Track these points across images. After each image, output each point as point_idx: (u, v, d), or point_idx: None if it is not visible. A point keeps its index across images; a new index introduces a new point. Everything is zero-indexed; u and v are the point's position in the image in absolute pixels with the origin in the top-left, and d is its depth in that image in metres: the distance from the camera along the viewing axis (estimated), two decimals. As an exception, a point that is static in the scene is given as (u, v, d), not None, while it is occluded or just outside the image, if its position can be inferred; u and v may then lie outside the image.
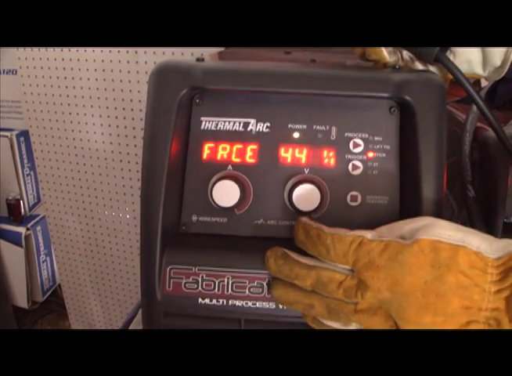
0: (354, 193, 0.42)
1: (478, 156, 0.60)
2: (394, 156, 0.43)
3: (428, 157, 0.41)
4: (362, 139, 0.43)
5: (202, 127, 0.43)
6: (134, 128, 1.23)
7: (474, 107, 0.60)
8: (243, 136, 0.43)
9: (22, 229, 1.68)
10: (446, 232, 0.34)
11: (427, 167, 0.40)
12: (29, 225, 1.70)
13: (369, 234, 0.36)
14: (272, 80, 0.41)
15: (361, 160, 0.43)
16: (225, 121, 0.43)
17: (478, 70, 0.49)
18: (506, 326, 0.33)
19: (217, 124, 0.43)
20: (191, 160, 0.43)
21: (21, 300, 1.78)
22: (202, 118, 0.43)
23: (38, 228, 1.73)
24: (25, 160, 1.67)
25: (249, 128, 0.43)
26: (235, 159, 0.43)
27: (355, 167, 0.43)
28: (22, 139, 1.64)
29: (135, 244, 1.38)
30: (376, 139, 0.43)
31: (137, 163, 1.27)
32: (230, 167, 0.43)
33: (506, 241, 0.34)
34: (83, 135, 1.30)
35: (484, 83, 0.75)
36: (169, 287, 0.41)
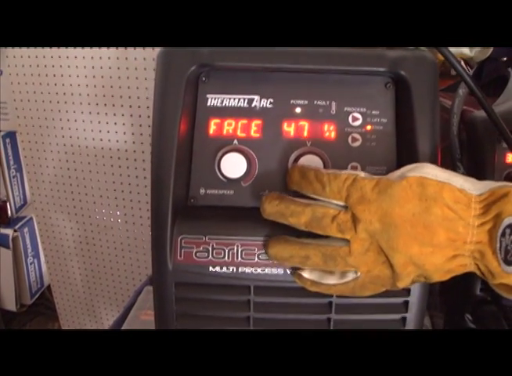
0: (354, 163, 0.45)
1: (466, 136, 0.63)
2: (390, 128, 0.45)
3: (423, 128, 0.43)
4: (360, 113, 0.45)
5: (208, 104, 0.45)
6: (124, 124, 1.23)
7: (460, 91, 0.63)
8: (247, 112, 0.45)
9: (9, 231, 1.67)
10: (433, 171, 0.37)
11: (423, 137, 0.43)
12: (16, 227, 1.69)
13: (362, 173, 0.39)
14: (275, 56, 0.43)
15: (360, 133, 0.45)
16: (230, 98, 0.45)
17: (466, 50, 0.52)
18: (489, 257, 0.35)
19: (222, 101, 0.45)
20: (198, 136, 0.45)
21: (9, 303, 1.76)
22: (208, 95, 0.45)
23: (25, 230, 1.72)
24: (11, 162, 1.66)
25: (253, 104, 0.45)
26: (240, 134, 0.45)
27: (354, 139, 0.45)
28: (8, 140, 1.63)
29: (125, 240, 1.39)
30: (373, 112, 0.45)
31: (127, 159, 1.27)
32: (236, 141, 0.45)
33: (487, 182, 0.37)
34: (72, 133, 1.30)
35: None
36: (180, 256, 0.43)
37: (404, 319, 0.44)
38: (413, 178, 0.37)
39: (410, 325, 0.44)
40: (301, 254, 0.39)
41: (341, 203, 0.38)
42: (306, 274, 0.41)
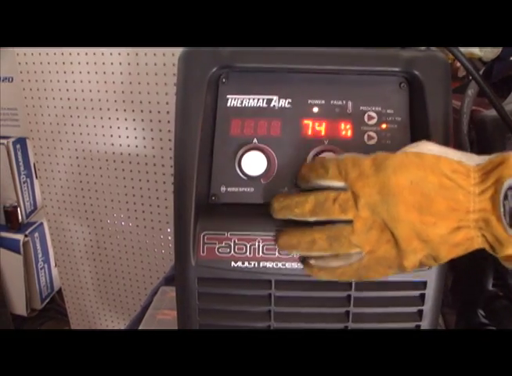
0: (370, 161, 0.46)
1: (475, 135, 0.65)
2: (405, 126, 0.46)
3: (436, 126, 0.44)
4: (375, 112, 0.46)
5: (228, 104, 0.46)
6: (135, 128, 1.25)
7: (469, 91, 0.64)
8: (266, 112, 0.46)
9: (20, 236, 1.69)
10: (430, 147, 0.39)
11: (436, 135, 0.44)
12: (27, 232, 1.71)
13: (362, 155, 0.40)
14: (293, 57, 0.44)
15: (375, 131, 0.46)
16: (249, 98, 0.46)
17: (476, 50, 0.53)
18: (494, 223, 0.36)
19: (242, 101, 0.46)
20: (219, 136, 0.46)
21: (20, 308, 1.78)
22: (228, 96, 0.46)
23: (36, 235, 1.74)
24: (21, 168, 1.69)
25: (272, 104, 0.46)
26: (260, 133, 0.46)
27: (370, 137, 0.46)
28: (18, 146, 1.65)
29: (136, 244, 1.40)
30: (388, 111, 0.46)
31: (138, 163, 1.29)
32: (255, 140, 0.46)
33: (484, 156, 0.38)
34: (84, 138, 1.32)
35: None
36: (203, 252, 0.44)
37: (420, 312, 0.45)
38: (410, 152, 0.38)
39: (426, 318, 0.46)
40: (307, 239, 0.40)
41: (342, 184, 0.39)
42: (313, 261, 0.42)
